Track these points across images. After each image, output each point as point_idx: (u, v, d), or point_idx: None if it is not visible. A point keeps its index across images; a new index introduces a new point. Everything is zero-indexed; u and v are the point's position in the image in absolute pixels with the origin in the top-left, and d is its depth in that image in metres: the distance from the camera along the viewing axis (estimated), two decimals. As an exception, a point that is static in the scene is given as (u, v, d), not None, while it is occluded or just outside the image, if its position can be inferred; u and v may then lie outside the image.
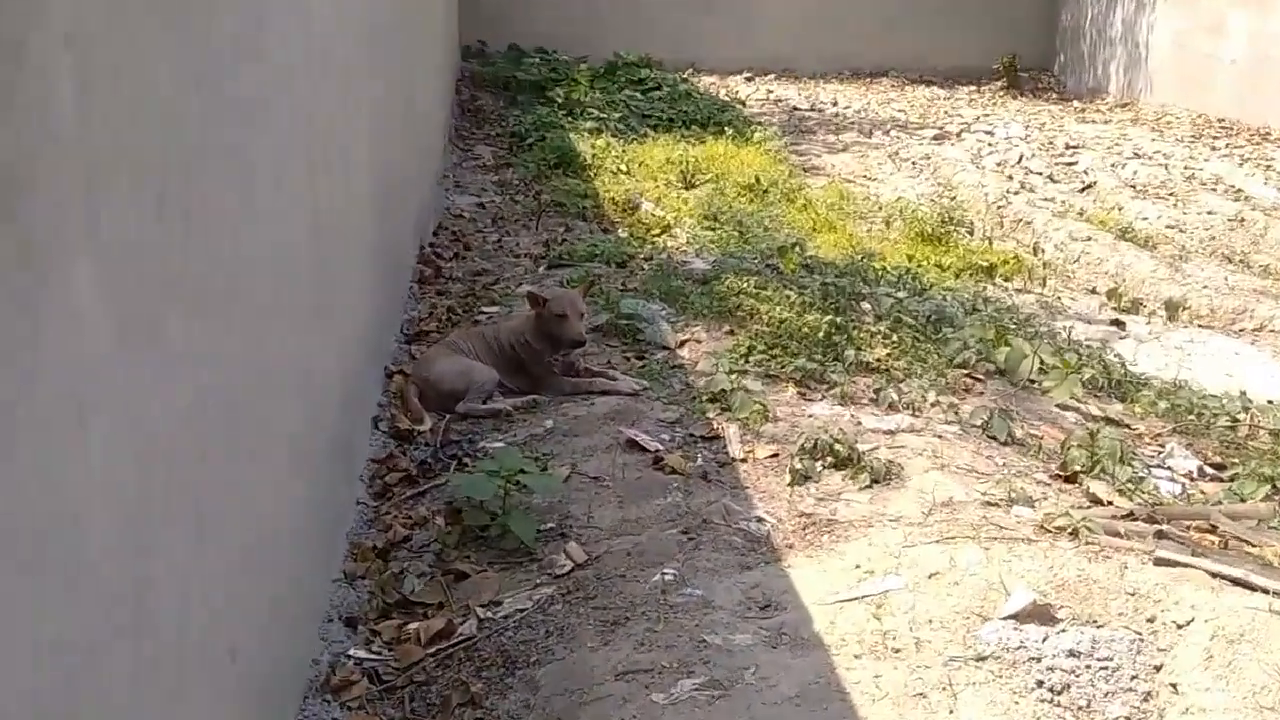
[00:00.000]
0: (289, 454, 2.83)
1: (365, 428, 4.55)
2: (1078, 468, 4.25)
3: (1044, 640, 2.94)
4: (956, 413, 4.83)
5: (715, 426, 4.62)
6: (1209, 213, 9.76)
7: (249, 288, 2.40)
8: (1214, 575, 3.18)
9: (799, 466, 4.11)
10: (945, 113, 14.57)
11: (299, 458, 2.97)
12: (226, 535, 2.16)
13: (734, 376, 4.93)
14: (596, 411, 4.82)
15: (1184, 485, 4.34)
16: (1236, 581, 3.13)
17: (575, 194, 10.10)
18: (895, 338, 5.64)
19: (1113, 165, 11.69)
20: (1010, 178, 11.59)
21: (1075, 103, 15.05)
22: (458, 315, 6.29)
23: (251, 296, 2.43)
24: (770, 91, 15.04)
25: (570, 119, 12.75)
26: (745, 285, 6.39)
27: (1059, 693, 2.78)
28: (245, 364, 2.36)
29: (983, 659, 2.90)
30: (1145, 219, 9.64)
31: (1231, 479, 4.33)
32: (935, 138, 13.70)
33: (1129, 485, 4.17)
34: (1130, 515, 3.78)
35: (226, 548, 2.15)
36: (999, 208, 10.36)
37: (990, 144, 13.15)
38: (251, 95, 2.46)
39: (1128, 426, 4.96)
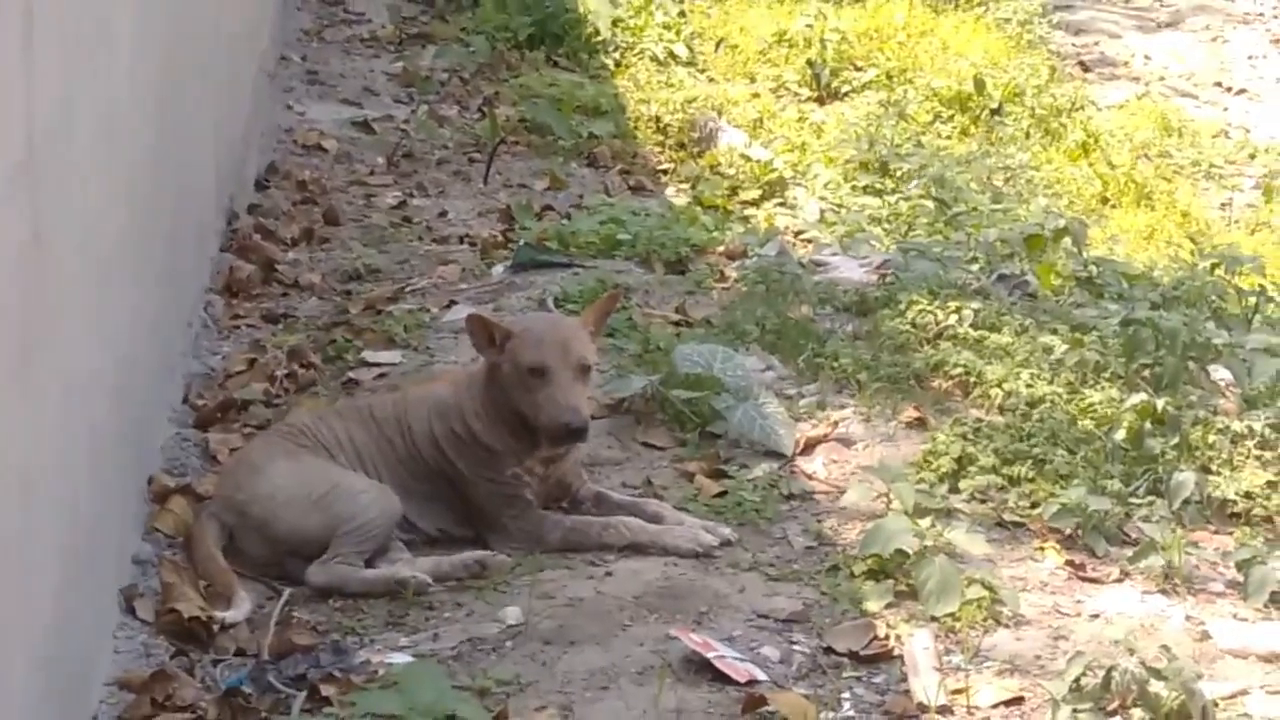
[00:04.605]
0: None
1: (107, 613, 4.61)
2: None
3: None
4: None
5: (882, 633, 4.65)
6: None
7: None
8: None
9: (1069, 728, 4.16)
10: None
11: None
12: None
13: (925, 523, 4.98)
14: (619, 589, 4.87)
15: None
16: None
17: (574, 106, 10.24)
18: (1286, 447, 5.71)
19: None
20: None
21: None
22: (309, 369, 6.42)
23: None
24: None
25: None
26: (951, 320, 6.48)
27: None
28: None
29: None
30: None
31: None
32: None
33: None
34: None
35: None
36: None
37: None
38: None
39: None
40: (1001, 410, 5.88)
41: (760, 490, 5.48)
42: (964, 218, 8.72)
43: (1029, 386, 5.94)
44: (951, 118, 10.92)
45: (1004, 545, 5.18)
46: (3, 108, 3.22)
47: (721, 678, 4.39)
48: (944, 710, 4.32)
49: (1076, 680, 4.25)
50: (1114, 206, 10.00)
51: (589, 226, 7.87)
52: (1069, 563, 5.09)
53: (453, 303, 7.07)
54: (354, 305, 7.09)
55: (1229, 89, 12.79)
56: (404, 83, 10.81)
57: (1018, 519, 5.31)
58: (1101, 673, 4.25)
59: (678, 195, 9.33)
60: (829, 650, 4.59)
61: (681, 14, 12.10)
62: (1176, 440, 5.66)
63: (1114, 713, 4.23)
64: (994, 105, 11.07)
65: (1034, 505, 5.34)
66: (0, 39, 3.17)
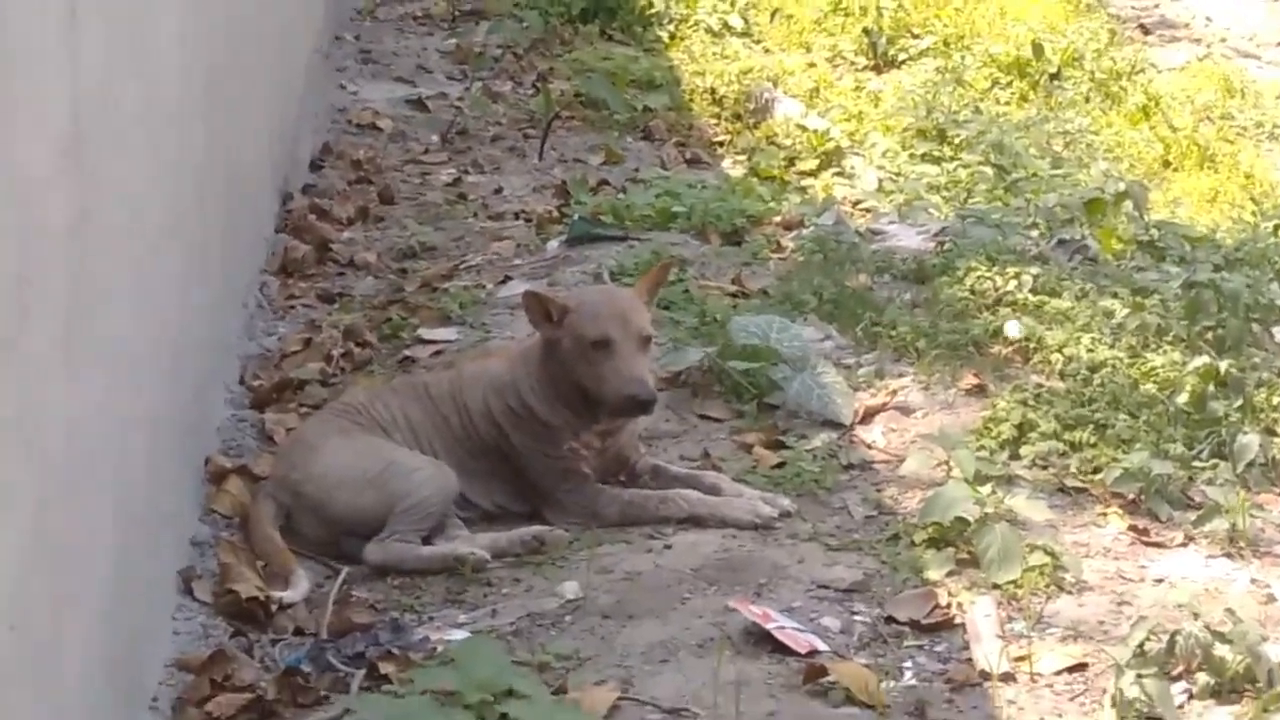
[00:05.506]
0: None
1: (165, 594, 4.65)
2: None
3: None
4: None
5: (944, 601, 4.67)
6: None
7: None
8: None
9: (1133, 694, 4.13)
10: None
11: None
12: None
13: (986, 490, 4.98)
14: (677, 562, 4.89)
15: None
16: None
17: (628, 79, 10.24)
18: (1353, 409, 5.67)
19: None
20: None
21: None
22: (365, 348, 6.45)
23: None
24: None
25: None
26: (1010, 286, 6.46)
27: None
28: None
29: None
30: None
31: None
32: None
33: None
34: None
35: None
36: None
37: None
38: None
39: None
40: (1062, 375, 5.86)
41: (819, 460, 5.49)
42: (1023, 183, 8.70)
43: (1090, 351, 5.92)
44: (1010, 83, 10.88)
45: (1066, 511, 5.18)
46: (47, 83, 3.23)
47: (782, 649, 4.41)
48: (1007, 677, 4.33)
49: (1140, 645, 4.24)
50: (1175, 170, 9.95)
51: (644, 200, 7.85)
52: (1132, 528, 5.08)
53: (508, 278, 7.08)
54: (409, 283, 7.11)
55: (1296, 52, 12.71)
56: (457, 60, 10.81)
57: (1079, 484, 5.30)
58: (1166, 637, 4.26)
59: (734, 167, 9.32)
60: (890, 619, 4.60)
61: (740, -17, 12.11)
62: (1240, 403, 5.64)
63: (1179, 677, 4.23)
64: (1053, 70, 11.02)
65: (1096, 470, 5.33)
66: (42, 14, 3.18)
